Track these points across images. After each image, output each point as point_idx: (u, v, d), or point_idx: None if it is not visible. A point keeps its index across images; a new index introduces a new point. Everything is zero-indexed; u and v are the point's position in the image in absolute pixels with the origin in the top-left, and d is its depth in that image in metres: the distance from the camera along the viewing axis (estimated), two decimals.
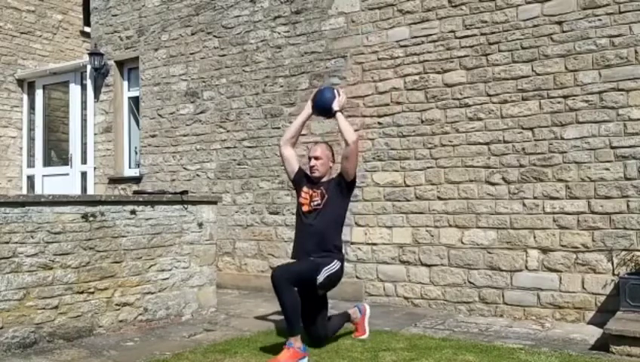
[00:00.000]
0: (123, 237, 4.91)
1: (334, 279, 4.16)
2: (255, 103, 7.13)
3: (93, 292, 4.66)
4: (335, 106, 4.25)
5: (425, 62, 5.93)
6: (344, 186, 4.26)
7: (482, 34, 5.62)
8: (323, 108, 4.35)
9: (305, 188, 4.30)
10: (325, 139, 6.42)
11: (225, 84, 7.41)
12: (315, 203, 4.20)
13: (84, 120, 9.21)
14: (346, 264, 6.20)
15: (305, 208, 4.25)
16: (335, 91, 4.36)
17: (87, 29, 10.28)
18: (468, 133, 5.67)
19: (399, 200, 6.01)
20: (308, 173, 4.40)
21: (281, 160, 4.59)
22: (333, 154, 4.44)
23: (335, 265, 4.14)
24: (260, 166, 7.06)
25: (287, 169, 4.49)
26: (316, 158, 4.31)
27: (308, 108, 4.46)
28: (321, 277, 4.04)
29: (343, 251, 4.44)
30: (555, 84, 5.27)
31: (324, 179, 4.32)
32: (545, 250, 5.24)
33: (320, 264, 4.07)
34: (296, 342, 3.82)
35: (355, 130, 4.10)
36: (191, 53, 7.75)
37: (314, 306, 4.17)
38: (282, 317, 4.05)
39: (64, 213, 4.53)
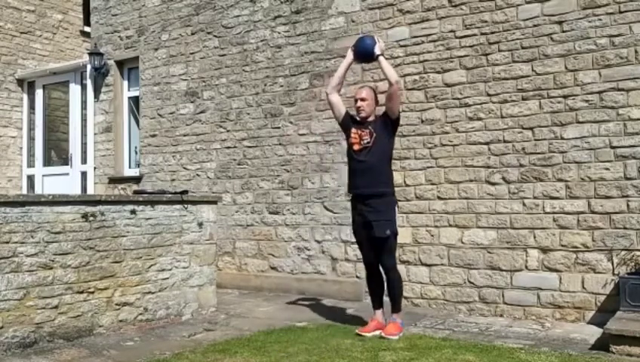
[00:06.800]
0: (123, 236, 4.91)
1: (395, 225, 4.64)
2: (255, 103, 7.13)
3: (93, 292, 4.66)
4: (377, 50, 4.59)
5: (425, 62, 5.93)
6: (389, 124, 4.63)
7: (482, 34, 5.62)
8: (365, 54, 4.68)
9: (354, 129, 4.63)
10: (325, 139, 6.45)
11: (225, 83, 7.41)
12: (365, 141, 4.55)
13: (84, 120, 9.21)
14: (345, 264, 6.29)
15: (356, 147, 4.60)
16: (375, 37, 4.70)
17: (87, 29, 10.28)
18: (468, 132, 5.67)
19: (399, 200, 5.98)
20: (355, 115, 4.71)
21: (330, 106, 4.92)
22: (376, 96, 4.74)
23: (393, 217, 4.60)
24: (260, 166, 7.06)
25: (335, 114, 4.82)
26: (362, 100, 4.62)
27: (349, 56, 4.78)
28: (388, 232, 4.53)
29: None
30: (555, 84, 5.27)
31: (371, 119, 4.64)
32: (545, 250, 5.24)
33: (383, 225, 4.50)
34: (398, 318, 4.57)
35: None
36: (191, 53, 7.75)
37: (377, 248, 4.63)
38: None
39: (64, 213, 4.53)
